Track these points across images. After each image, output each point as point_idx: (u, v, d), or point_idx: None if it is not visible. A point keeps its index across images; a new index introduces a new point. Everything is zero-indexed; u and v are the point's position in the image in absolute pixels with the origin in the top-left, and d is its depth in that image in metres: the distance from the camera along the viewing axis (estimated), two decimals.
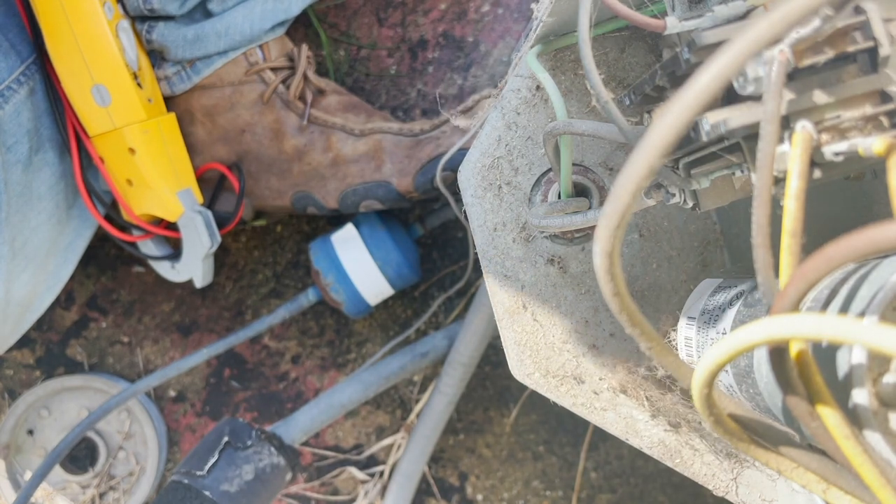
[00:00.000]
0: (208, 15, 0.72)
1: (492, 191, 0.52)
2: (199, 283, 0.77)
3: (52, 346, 0.90)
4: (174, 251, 0.79)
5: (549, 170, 0.52)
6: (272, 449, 0.73)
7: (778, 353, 0.26)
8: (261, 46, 0.75)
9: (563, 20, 0.48)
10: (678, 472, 0.52)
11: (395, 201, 0.75)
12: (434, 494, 0.88)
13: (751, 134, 0.31)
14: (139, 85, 0.68)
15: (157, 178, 0.70)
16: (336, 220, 0.87)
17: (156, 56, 0.72)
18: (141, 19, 0.70)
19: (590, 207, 0.51)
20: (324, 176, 0.75)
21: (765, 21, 0.25)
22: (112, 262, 0.90)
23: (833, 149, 0.30)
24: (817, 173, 0.30)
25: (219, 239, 0.74)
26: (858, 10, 0.31)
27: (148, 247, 0.79)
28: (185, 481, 0.70)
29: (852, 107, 0.31)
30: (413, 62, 0.88)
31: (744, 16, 0.33)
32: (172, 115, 0.73)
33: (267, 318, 0.84)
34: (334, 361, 0.89)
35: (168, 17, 0.70)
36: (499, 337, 0.54)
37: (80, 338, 0.90)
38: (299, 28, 0.86)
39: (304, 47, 0.77)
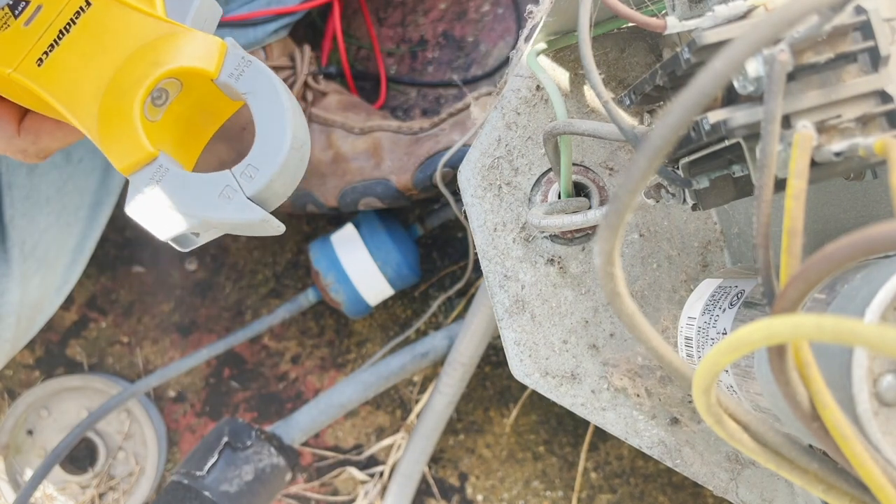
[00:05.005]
0: None
1: (492, 191, 0.52)
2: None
3: (52, 347, 0.90)
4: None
5: (549, 170, 0.52)
6: (272, 449, 0.73)
7: (778, 354, 0.26)
8: (263, 47, 0.75)
9: (563, 20, 0.48)
10: (678, 473, 0.52)
11: (394, 199, 0.75)
12: (434, 494, 0.88)
13: (751, 134, 0.31)
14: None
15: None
16: (336, 220, 0.87)
17: None
18: None
19: (590, 207, 0.51)
20: (323, 174, 0.75)
21: (765, 21, 0.24)
22: (112, 262, 0.90)
23: (833, 149, 0.30)
24: (817, 173, 0.30)
25: None
26: (858, 10, 0.30)
27: None
28: (185, 482, 0.70)
29: (853, 107, 0.31)
30: (413, 62, 0.88)
31: (744, 15, 0.33)
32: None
33: (267, 318, 0.84)
34: (334, 361, 0.89)
35: None
36: (499, 337, 0.54)
37: (79, 338, 0.90)
38: (300, 28, 0.86)
39: (307, 48, 0.77)
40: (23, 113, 0.49)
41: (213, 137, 0.76)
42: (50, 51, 0.45)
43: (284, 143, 0.41)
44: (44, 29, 0.45)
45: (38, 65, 0.45)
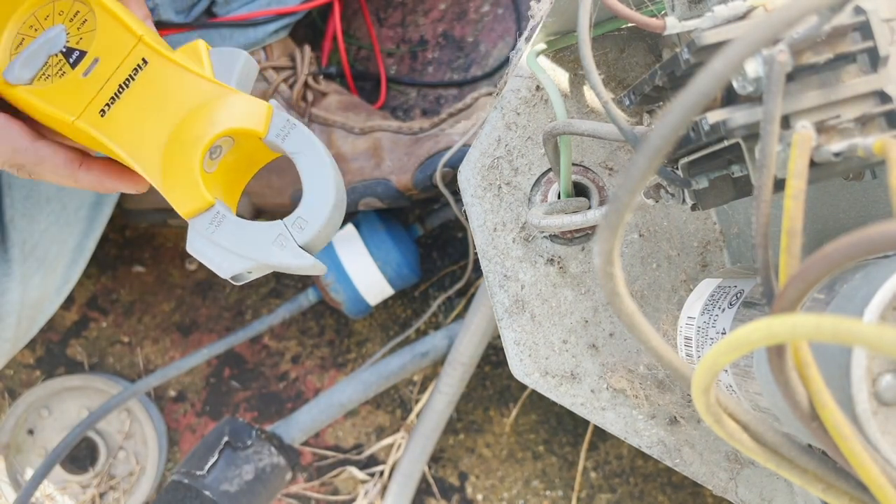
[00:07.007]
0: (212, 17, 0.72)
1: (492, 191, 0.52)
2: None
3: (53, 346, 0.90)
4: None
5: (549, 170, 0.52)
6: (272, 449, 0.73)
7: (777, 353, 0.26)
8: (264, 48, 0.75)
9: (563, 20, 0.48)
10: (678, 472, 0.52)
11: (394, 199, 0.75)
12: (434, 494, 0.88)
13: (750, 134, 0.31)
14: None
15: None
16: None
17: None
18: None
19: (590, 207, 0.51)
20: None
21: (765, 21, 0.25)
22: (112, 262, 0.90)
23: (833, 149, 0.30)
24: (817, 173, 0.30)
25: None
26: (858, 11, 0.30)
27: None
28: (186, 481, 0.70)
29: (852, 107, 0.31)
30: (413, 62, 0.88)
31: (744, 16, 0.33)
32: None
33: (267, 317, 0.84)
34: (334, 361, 0.89)
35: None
36: (499, 337, 0.54)
37: (80, 338, 0.90)
38: (301, 29, 0.86)
39: (307, 48, 0.77)
40: (39, 135, 0.51)
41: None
42: (112, 103, 0.49)
43: (329, 199, 0.46)
44: (103, 81, 0.50)
45: (102, 115, 0.49)
